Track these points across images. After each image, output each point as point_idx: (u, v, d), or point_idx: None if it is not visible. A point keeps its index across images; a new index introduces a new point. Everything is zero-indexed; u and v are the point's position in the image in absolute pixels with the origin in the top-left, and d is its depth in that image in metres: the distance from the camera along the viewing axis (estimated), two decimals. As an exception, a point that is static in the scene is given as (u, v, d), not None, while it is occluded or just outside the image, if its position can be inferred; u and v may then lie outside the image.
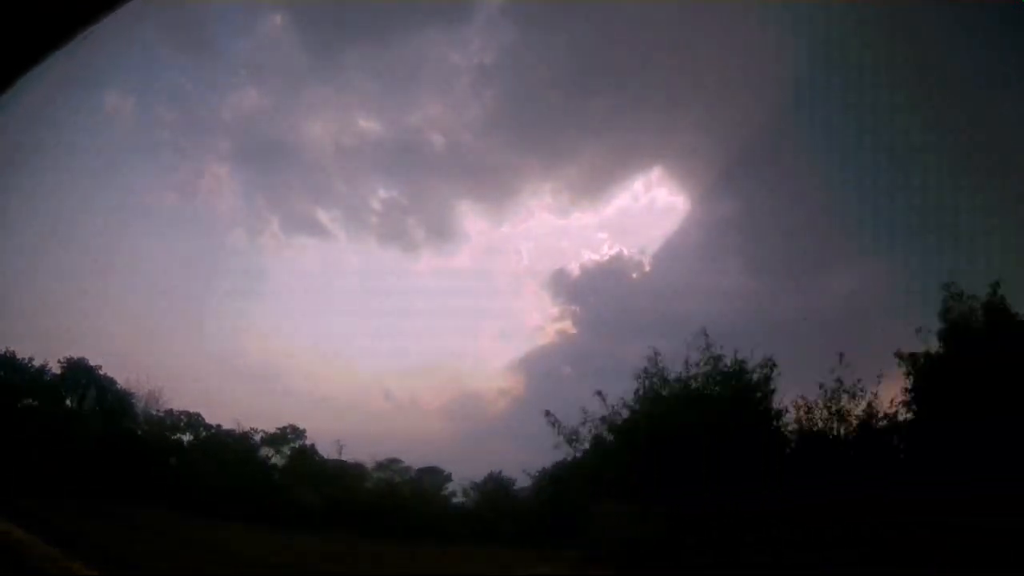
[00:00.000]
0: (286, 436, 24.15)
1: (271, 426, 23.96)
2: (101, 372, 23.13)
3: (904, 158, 19.92)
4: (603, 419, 18.66)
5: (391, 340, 24.69)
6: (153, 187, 27.29)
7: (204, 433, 23.74)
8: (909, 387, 17.97)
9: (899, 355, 18.22)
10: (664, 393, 18.25)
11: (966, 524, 13.77)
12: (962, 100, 19.45)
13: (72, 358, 22.89)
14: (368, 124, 29.07)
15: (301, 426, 24.06)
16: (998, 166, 18.95)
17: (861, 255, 22.76)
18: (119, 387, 22.54)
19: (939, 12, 19.35)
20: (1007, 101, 18.31)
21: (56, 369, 23.10)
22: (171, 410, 23.05)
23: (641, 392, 18.46)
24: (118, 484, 19.05)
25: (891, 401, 17.80)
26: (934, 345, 18.16)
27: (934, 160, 19.36)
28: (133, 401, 22.64)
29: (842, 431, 17.84)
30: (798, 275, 24.42)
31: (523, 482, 21.33)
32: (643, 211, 28.11)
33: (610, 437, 18.67)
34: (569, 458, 19.05)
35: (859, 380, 17.78)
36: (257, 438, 23.94)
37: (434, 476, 24.27)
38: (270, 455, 24.18)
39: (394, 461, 23.67)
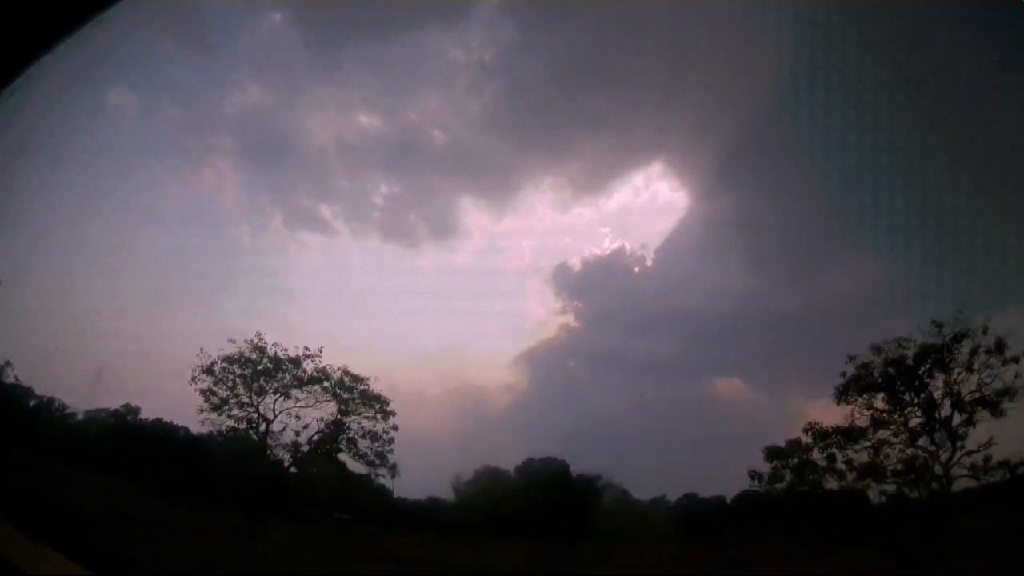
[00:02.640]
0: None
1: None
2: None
3: (904, 156, 19.87)
4: None
5: (395, 336, 24.85)
6: (155, 184, 27.33)
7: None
8: None
9: None
10: None
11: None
12: (963, 99, 19.40)
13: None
14: (369, 120, 29.15)
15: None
16: (999, 165, 18.90)
17: (861, 253, 22.75)
18: None
19: (940, 11, 19.28)
20: (1008, 101, 18.24)
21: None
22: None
23: None
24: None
25: None
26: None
27: (934, 159, 19.33)
28: None
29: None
30: (798, 271, 24.47)
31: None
32: (644, 206, 28.21)
33: None
34: None
35: None
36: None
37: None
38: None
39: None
